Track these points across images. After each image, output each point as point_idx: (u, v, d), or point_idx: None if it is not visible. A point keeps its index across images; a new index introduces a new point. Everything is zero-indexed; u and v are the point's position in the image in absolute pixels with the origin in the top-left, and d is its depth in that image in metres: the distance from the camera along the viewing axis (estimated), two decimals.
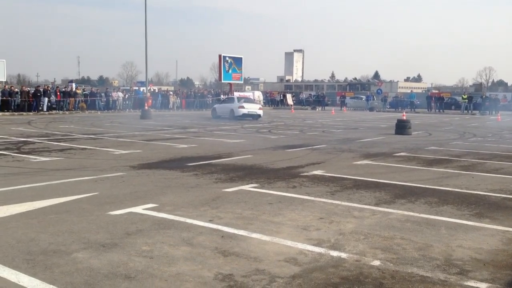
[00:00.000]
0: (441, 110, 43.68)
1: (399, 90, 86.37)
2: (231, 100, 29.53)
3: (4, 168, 9.66)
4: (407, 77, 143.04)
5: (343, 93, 57.88)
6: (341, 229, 5.83)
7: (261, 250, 5.02)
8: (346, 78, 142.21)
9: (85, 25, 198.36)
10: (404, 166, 10.93)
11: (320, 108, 47.20)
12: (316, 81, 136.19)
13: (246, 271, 4.42)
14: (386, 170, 10.36)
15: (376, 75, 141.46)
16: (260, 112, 27.43)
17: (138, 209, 6.52)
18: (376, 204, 7.10)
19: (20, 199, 6.99)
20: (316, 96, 54.52)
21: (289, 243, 5.26)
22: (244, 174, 9.47)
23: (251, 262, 4.65)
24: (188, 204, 6.94)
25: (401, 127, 19.17)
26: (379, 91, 49.66)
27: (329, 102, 51.99)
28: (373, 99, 48.04)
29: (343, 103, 48.02)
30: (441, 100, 45.39)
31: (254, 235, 5.51)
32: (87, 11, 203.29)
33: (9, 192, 7.51)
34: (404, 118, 20.63)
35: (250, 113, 26.85)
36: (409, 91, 61.74)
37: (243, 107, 26.93)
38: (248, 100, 29.63)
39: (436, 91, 65.46)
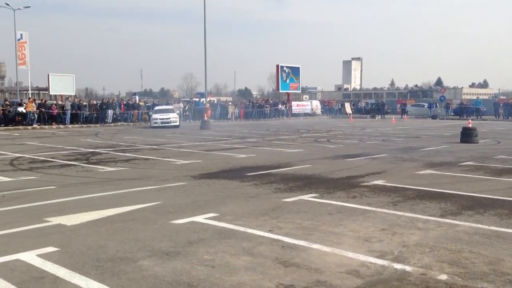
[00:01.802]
0: (509, 117, 41.53)
1: (464, 97, 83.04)
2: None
3: (75, 178, 10.15)
4: (472, 83, 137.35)
5: (403, 101, 56.35)
6: (405, 241, 5.66)
7: (322, 261, 4.97)
8: (406, 85, 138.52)
9: (148, 40, 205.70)
10: (471, 176, 10.48)
11: (379, 117, 46.22)
12: (375, 89, 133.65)
13: (307, 282, 4.39)
14: (451, 180, 9.97)
15: (439, 82, 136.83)
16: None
17: (200, 219, 6.65)
18: (442, 216, 6.85)
19: (89, 207, 7.32)
20: (376, 104, 53.47)
21: (350, 254, 5.17)
22: (303, 184, 9.43)
23: (312, 273, 4.61)
24: (248, 213, 7.00)
25: (467, 135, 18.39)
26: (442, 98, 47.93)
27: (389, 110, 50.76)
28: (436, 106, 46.46)
29: (403, 111, 46.76)
30: (510, 106, 43.15)
31: (315, 246, 5.46)
32: (149, 26, 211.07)
33: (80, 200, 7.88)
34: (470, 125, 19.79)
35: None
36: (474, 97, 59.27)
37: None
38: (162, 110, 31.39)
39: (504, 97, 62.33)
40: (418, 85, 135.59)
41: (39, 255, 5.01)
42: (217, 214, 6.90)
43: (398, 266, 4.80)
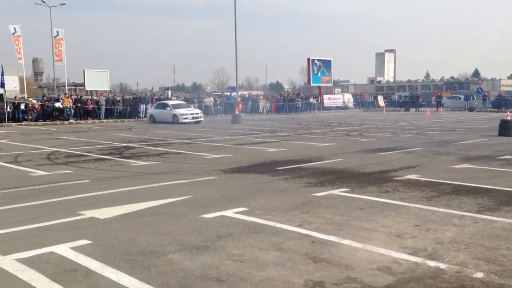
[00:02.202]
0: None
1: (502, 88, 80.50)
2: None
3: (108, 172, 10.33)
4: (511, 74, 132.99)
5: (439, 93, 55.08)
6: (439, 237, 5.51)
7: (353, 257, 4.88)
8: (442, 77, 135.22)
9: (180, 35, 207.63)
10: (509, 170, 10.13)
11: (414, 109, 45.28)
12: (409, 81, 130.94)
13: (337, 278, 4.32)
14: (489, 174, 9.66)
15: (476, 73, 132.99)
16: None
17: (229, 213, 6.65)
18: (478, 212, 6.64)
19: (121, 201, 7.43)
20: (410, 96, 52.42)
21: (382, 250, 5.06)
22: (334, 178, 9.31)
23: (342, 270, 4.53)
24: (278, 208, 6.96)
25: (505, 128, 17.81)
26: (479, 89, 46.63)
27: (423, 103, 49.70)
28: (473, 99, 45.19)
29: (439, 104, 45.68)
30: None
31: (345, 241, 5.38)
32: (181, 21, 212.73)
33: (112, 194, 8.01)
34: (509, 118, 19.15)
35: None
36: None
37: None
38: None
39: None
40: (455, 77, 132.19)
41: (72, 248, 5.11)
42: (247, 209, 6.89)
43: (432, 263, 4.67)
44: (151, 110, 30.70)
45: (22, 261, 4.71)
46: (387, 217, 6.43)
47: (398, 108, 48.94)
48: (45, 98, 32.96)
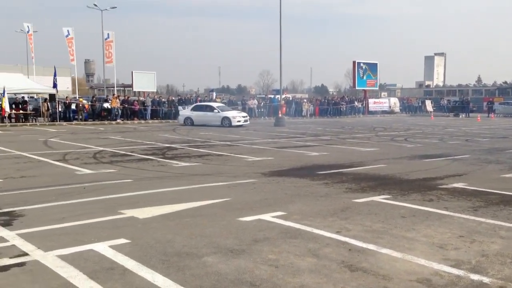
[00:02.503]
0: None
1: None
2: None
3: (151, 172, 10.51)
4: None
5: (490, 99, 53.09)
6: (484, 250, 5.27)
7: (391, 267, 4.74)
8: (494, 82, 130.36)
9: (226, 37, 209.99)
10: None
11: (463, 115, 43.84)
12: (459, 85, 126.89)
13: None
14: None
15: None
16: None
17: (267, 217, 6.61)
18: None
19: (161, 201, 7.53)
20: (460, 101, 50.77)
21: (422, 261, 4.89)
22: (376, 184, 9.11)
23: (379, 280, 4.40)
24: (316, 213, 6.86)
25: None
26: None
27: (474, 109, 48.01)
28: None
29: (490, 109, 44.00)
30: None
31: (384, 251, 5.23)
32: (227, 24, 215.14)
33: (153, 194, 8.14)
34: None
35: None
36: None
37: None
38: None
39: None
40: (508, 82, 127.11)
41: (111, 246, 5.21)
42: (285, 213, 6.83)
43: (475, 277, 4.46)
44: (187, 112, 28.62)
45: (63, 257, 4.85)
46: (430, 226, 6.21)
47: (447, 114, 47.51)
48: (94, 98, 34.04)
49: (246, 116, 28.16)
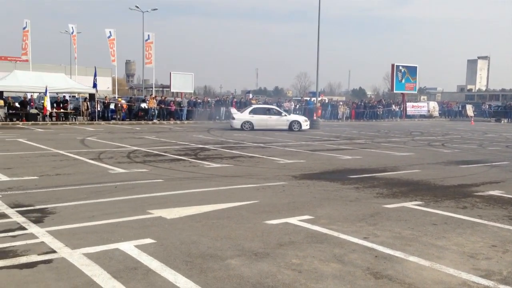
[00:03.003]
0: None
1: None
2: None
3: (182, 173, 10.62)
4: None
5: None
6: None
7: (418, 276, 4.61)
8: None
9: (265, 39, 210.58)
10: None
11: (506, 121, 42.39)
12: (503, 90, 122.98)
13: None
14: None
15: None
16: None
17: (294, 220, 6.55)
18: None
19: (190, 202, 7.59)
20: (502, 107, 49.10)
21: (451, 271, 4.74)
22: (408, 190, 8.90)
23: None
24: (345, 218, 6.76)
25: None
26: None
27: None
28: None
29: None
30: None
31: (412, 258, 5.09)
32: (267, 26, 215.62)
33: (183, 195, 8.21)
34: None
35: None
36: None
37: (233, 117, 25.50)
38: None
39: None
40: None
41: (136, 246, 5.28)
42: (312, 217, 6.76)
43: None
44: (245, 116, 25.52)
45: (89, 255, 4.94)
46: (461, 235, 6.02)
47: (489, 119, 46.07)
48: (131, 98, 34.75)
49: (307, 120, 26.63)
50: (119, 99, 35.73)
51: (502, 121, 42.15)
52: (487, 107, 51.47)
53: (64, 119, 29.58)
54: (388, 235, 5.97)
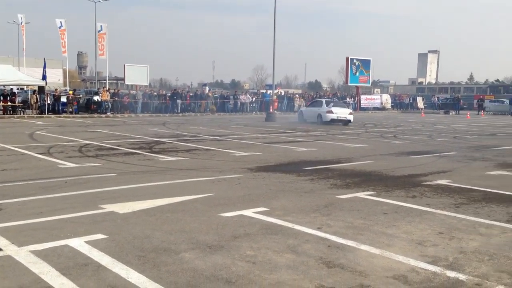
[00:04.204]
0: None
1: None
2: (318, 103, 27.58)
3: (136, 167, 10.44)
4: None
5: (481, 96, 53.38)
6: (463, 246, 5.26)
7: (369, 263, 4.72)
8: (486, 79, 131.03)
9: (222, 31, 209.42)
10: None
11: (454, 112, 44.06)
12: (451, 83, 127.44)
13: (349, 285, 4.18)
14: None
15: None
16: (350, 117, 25.43)
17: (249, 212, 6.57)
18: (508, 221, 6.32)
19: (144, 196, 7.46)
20: (450, 99, 50.98)
21: (400, 258, 4.88)
22: (361, 181, 9.10)
23: (356, 276, 4.38)
24: (299, 209, 6.83)
25: None
26: None
27: (465, 106, 48.32)
28: None
29: (480, 107, 44.29)
30: None
31: (363, 247, 5.21)
32: (223, 18, 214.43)
33: (136, 189, 8.07)
34: None
35: (339, 118, 25.24)
36: None
37: (331, 111, 25.29)
38: (337, 104, 27.54)
39: None
40: (500, 80, 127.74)
41: (87, 242, 5.14)
42: (267, 209, 6.79)
43: (452, 274, 4.45)
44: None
45: (36, 253, 4.77)
46: (410, 223, 6.20)
47: (438, 111, 47.73)
48: (75, 90, 33.94)
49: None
50: (70, 91, 34.70)
51: (450, 113, 43.76)
52: (437, 99, 53.32)
53: (11, 112, 28.47)
54: (341, 225, 6.08)
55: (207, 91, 48.20)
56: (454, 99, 48.79)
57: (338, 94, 47.73)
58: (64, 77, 51.45)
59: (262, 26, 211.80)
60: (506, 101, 46.04)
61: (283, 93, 47.93)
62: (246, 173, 9.83)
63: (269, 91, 43.93)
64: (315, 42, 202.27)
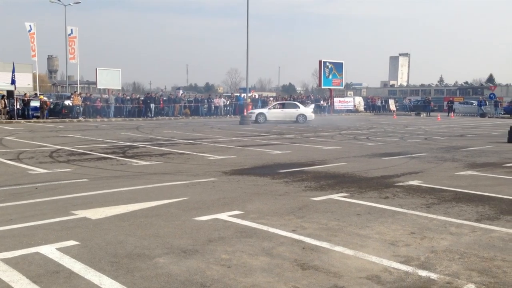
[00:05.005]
0: None
1: None
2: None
3: (108, 171, 10.30)
4: None
5: (451, 98, 54.56)
6: (434, 246, 5.37)
7: (343, 265, 4.77)
8: (456, 82, 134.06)
9: (195, 35, 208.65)
10: None
11: (425, 114, 44.87)
12: (422, 85, 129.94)
13: (324, 287, 4.21)
14: (493, 182, 9.46)
15: (490, 79, 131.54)
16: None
17: (223, 216, 6.56)
18: (477, 220, 6.48)
19: (117, 201, 7.37)
20: (421, 101, 51.95)
21: (373, 258, 4.94)
22: (335, 183, 9.18)
23: (330, 278, 4.42)
24: (274, 212, 6.85)
25: None
26: (491, 95, 45.98)
27: (435, 108, 49.26)
28: (485, 104, 44.67)
29: (450, 109, 45.22)
30: None
31: (337, 248, 5.26)
32: (197, 21, 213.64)
33: (109, 194, 7.96)
34: None
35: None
36: None
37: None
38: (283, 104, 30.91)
39: None
40: (469, 82, 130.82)
41: (58, 249, 5.05)
42: (242, 212, 6.80)
43: (423, 273, 4.54)
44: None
45: (6, 261, 4.66)
46: (383, 223, 6.29)
47: (409, 113, 48.57)
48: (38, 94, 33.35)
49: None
50: (41, 96, 34.01)
51: (422, 115, 44.55)
52: (408, 101, 54.26)
53: None
54: (315, 226, 6.13)
55: (180, 95, 47.97)
56: (425, 101, 49.71)
57: (312, 97, 48.05)
58: (34, 81, 50.44)
59: (236, 29, 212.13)
60: (475, 102, 47.17)
61: (257, 96, 48.03)
62: (221, 176, 9.81)
63: (243, 94, 43.98)
64: (289, 45, 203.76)
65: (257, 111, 30.16)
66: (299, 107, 30.14)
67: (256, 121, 28.42)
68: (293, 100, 43.45)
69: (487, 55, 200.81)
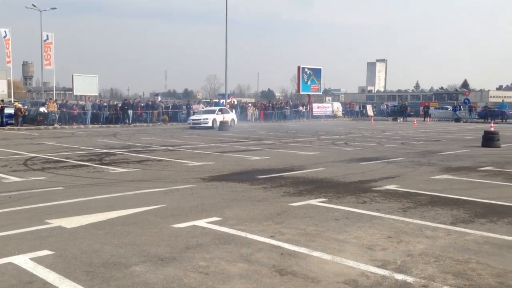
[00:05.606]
0: None
1: (491, 100, 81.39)
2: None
3: (85, 179, 10.15)
4: (500, 86, 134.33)
5: (426, 103, 55.46)
6: (410, 249, 5.43)
7: (321, 270, 4.78)
8: (431, 87, 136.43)
9: (173, 41, 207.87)
10: (488, 181, 10.11)
11: (401, 119, 45.51)
12: (399, 91, 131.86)
13: None
14: (468, 185, 9.63)
15: (465, 84, 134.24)
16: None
17: (202, 223, 6.52)
18: (452, 223, 6.57)
19: (93, 209, 7.26)
20: (398, 106, 52.67)
21: (351, 263, 4.97)
22: (313, 188, 9.22)
23: (308, 283, 4.43)
24: (252, 218, 6.84)
25: (488, 139, 17.86)
26: (466, 100, 46.95)
27: (411, 113, 50.02)
28: (460, 109, 45.53)
29: (426, 114, 45.97)
30: None
31: (315, 253, 5.27)
32: (175, 27, 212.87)
33: (85, 202, 7.84)
34: (492, 129, 19.23)
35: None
36: (500, 100, 57.93)
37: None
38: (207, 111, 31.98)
39: None
40: (444, 88, 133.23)
41: (32, 259, 4.94)
42: (220, 218, 6.76)
43: (400, 276, 4.58)
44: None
45: None
46: (360, 228, 6.34)
47: (387, 118, 49.17)
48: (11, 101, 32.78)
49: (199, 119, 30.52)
50: (16, 103, 33.39)
51: (398, 120, 45.16)
52: (385, 107, 54.96)
53: None
54: (294, 232, 6.13)
55: (159, 101, 47.66)
56: (401, 106, 50.38)
57: (291, 103, 48.28)
58: (9, 88, 49.51)
59: (215, 35, 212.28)
60: (450, 108, 48.02)
61: (236, 102, 48.03)
62: (199, 183, 9.76)
63: (222, 100, 43.96)
64: (268, 51, 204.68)
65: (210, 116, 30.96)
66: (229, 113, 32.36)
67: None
68: (272, 106, 43.63)
69: (461, 62, 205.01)
